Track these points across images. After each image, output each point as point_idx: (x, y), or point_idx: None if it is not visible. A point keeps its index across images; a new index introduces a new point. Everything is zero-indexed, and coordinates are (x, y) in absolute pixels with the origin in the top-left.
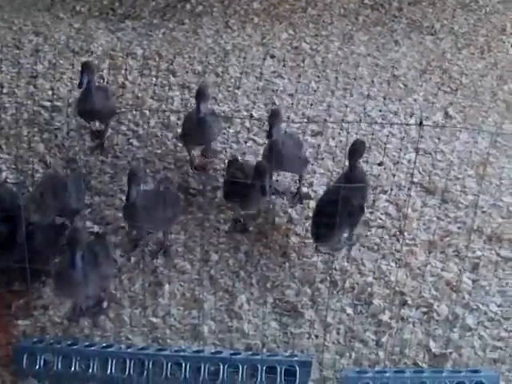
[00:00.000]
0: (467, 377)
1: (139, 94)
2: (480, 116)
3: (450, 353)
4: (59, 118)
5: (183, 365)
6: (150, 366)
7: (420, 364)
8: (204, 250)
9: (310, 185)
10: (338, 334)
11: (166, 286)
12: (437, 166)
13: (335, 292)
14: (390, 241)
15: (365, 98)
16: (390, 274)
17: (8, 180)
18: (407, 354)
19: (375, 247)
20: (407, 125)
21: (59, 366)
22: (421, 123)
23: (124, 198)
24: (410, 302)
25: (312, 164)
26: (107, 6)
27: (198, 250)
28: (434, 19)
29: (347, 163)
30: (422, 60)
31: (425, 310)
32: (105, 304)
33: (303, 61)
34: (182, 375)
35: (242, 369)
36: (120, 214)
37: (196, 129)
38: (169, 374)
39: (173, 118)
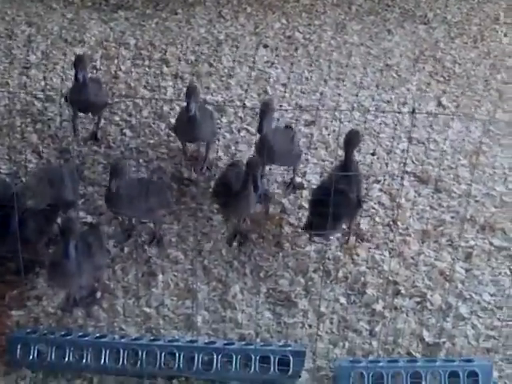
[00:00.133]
0: (460, 366)
1: (132, 84)
2: (473, 105)
3: (444, 342)
4: (52, 108)
5: (177, 355)
6: (144, 356)
7: (413, 353)
8: (197, 239)
9: (304, 174)
10: (332, 323)
11: (160, 276)
12: (430, 155)
13: (329, 282)
14: (384, 230)
15: (358, 88)
16: (384, 263)
17: (1, 170)
18: (400, 344)
19: (369, 237)
20: (399, 113)
21: (53, 357)
22: (413, 111)
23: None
24: (403, 291)
25: (305, 153)
26: None
27: (192, 240)
28: (426, 8)
29: (340, 153)
30: (415, 49)
31: (418, 299)
32: (98, 294)
33: (296, 50)
34: (176, 365)
35: (236, 359)
36: None
37: (186, 127)
38: (162, 364)
39: (166, 107)
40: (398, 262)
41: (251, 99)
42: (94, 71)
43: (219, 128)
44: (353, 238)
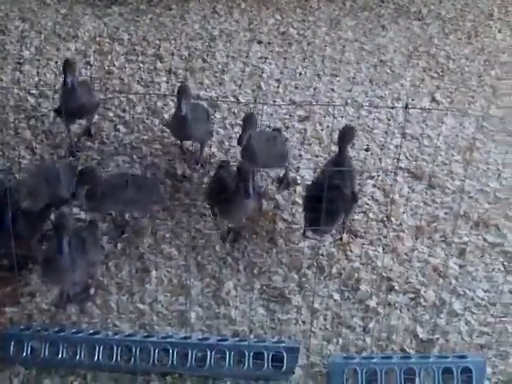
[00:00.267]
0: (454, 362)
1: (126, 80)
2: (467, 101)
3: (437, 338)
4: (46, 104)
5: (170, 351)
6: (138, 352)
7: (407, 350)
8: (191, 235)
9: (297, 170)
10: (325, 319)
11: (153, 273)
12: (424, 151)
13: (322, 278)
14: (377, 226)
15: (351, 83)
16: (377, 259)
17: None
18: (394, 340)
19: (362, 233)
20: (393, 108)
21: (46, 353)
22: (406, 106)
23: None
24: (396, 287)
25: (299, 149)
26: None
27: (185, 236)
28: (421, 4)
29: (334, 148)
30: (409, 45)
31: (412, 295)
32: (92, 291)
33: (290, 45)
34: (170, 362)
35: (230, 355)
36: None
37: (179, 126)
38: (156, 360)
39: (159, 103)
40: (391, 258)
41: (245, 95)
42: (88, 67)
43: (213, 123)
44: (346, 235)
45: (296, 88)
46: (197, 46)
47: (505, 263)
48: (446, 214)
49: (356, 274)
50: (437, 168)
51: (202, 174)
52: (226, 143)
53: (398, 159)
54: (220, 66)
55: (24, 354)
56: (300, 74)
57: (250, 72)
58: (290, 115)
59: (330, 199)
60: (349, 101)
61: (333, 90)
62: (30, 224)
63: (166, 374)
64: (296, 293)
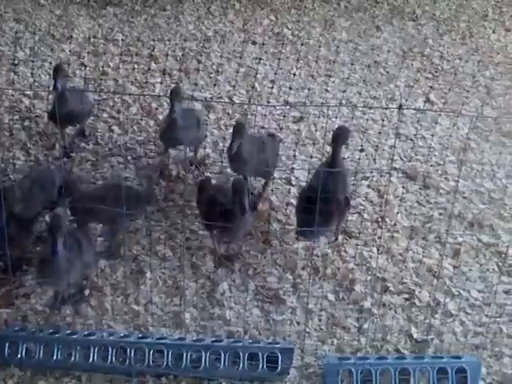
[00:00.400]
0: (449, 363)
1: (120, 81)
2: (461, 101)
3: (432, 339)
4: (40, 105)
5: (165, 352)
6: (132, 353)
7: (402, 350)
8: (185, 236)
9: (292, 171)
10: (320, 320)
11: (148, 274)
12: (418, 151)
13: (317, 279)
14: (372, 227)
15: (346, 84)
16: (372, 260)
17: None
18: (389, 341)
19: (357, 233)
20: (386, 108)
21: (41, 355)
22: (400, 107)
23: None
24: (391, 288)
25: (293, 150)
26: None
27: (180, 237)
28: (415, 5)
29: (328, 149)
30: (404, 46)
31: (406, 296)
32: (86, 292)
33: (284, 46)
34: (164, 363)
35: (224, 356)
36: None
37: (169, 131)
38: (151, 361)
39: (154, 104)
40: (386, 259)
41: (239, 95)
42: (82, 68)
43: (207, 124)
44: (341, 235)
45: (290, 89)
46: (191, 46)
47: (499, 263)
48: (440, 214)
49: (350, 275)
50: (431, 168)
51: (197, 176)
52: (221, 144)
53: (393, 160)
54: (214, 67)
55: (19, 355)
56: (294, 74)
57: (245, 73)
58: (285, 116)
59: (322, 206)
60: (343, 101)
61: (327, 90)
62: (21, 227)
63: (161, 375)
64: (291, 293)
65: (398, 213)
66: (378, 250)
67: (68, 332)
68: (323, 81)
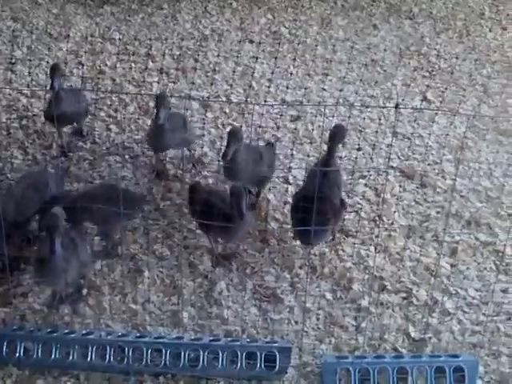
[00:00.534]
0: (446, 362)
1: (117, 80)
2: (458, 100)
3: (429, 338)
4: (38, 104)
5: (163, 351)
6: (130, 352)
7: (399, 349)
8: (183, 235)
9: (289, 169)
10: (318, 319)
11: (146, 273)
12: (415, 150)
13: (314, 277)
14: (369, 226)
15: (343, 83)
16: (369, 258)
17: None
18: (387, 339)
19: (354, 232)
20: (383, 107)
21: (39, 354)
22: (397, 106)
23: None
24: (389, 287)
25: (290, 149)
26: None
27: (177, 236)
28: (412, 3)
29: (325, 148)
30: (401, 44)
31: (404, 294)
32: (84, 291)
33: (281, 44)
34: (162, 362)
35: (222, 355)
36: None
37: (155, 136)
38: (149, 360)
39: (151, 103)
40: (383, 258)
41: (237, 94)
42: (80, 67)
43: (204, 123)
44: (338, 234)
45: (287, 87)
46: (188, 45)
47: (496, 262)
48: (437, 213)
49: (348, 274)
50: (428, 167)
51: (194, 174)
52: (218, 143)
53: (390, 158)
54: (211, 66)
55: (17, 354)
56: (291, 73)
57: (242, 71)
58: (282, 115)
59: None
60: (340, 100)
61: (324, 89)
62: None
63: (159, 374)
64: (288, 292)
65: (395, 211)
66: (375, 249)
67: (66, 331)
68: (320, 79)
